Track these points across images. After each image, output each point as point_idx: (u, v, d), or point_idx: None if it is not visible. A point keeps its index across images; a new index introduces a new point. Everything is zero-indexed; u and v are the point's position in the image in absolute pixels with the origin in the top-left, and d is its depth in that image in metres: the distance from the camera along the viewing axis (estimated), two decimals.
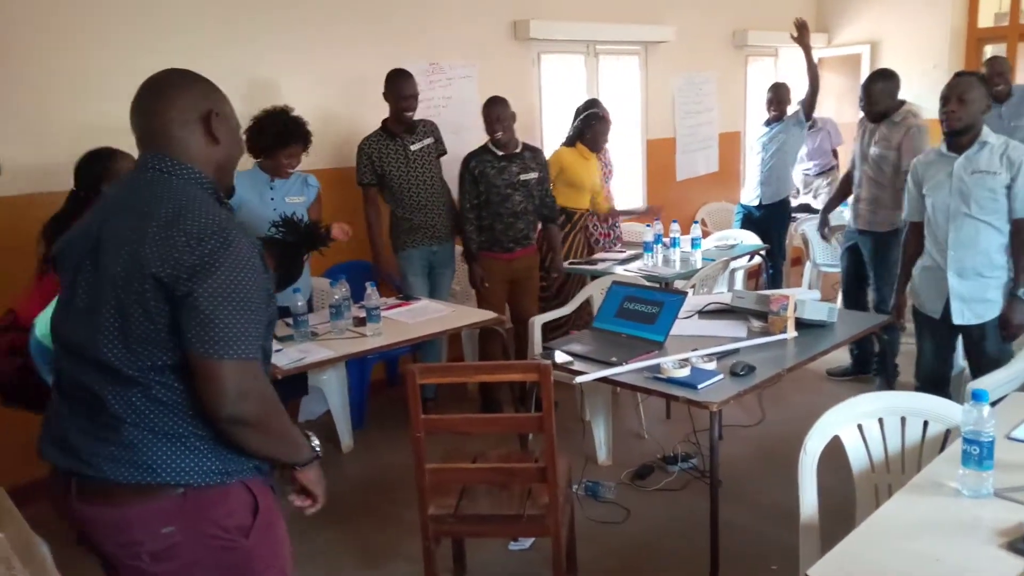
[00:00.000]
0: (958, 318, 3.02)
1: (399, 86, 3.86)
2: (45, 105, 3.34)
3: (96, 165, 2.67)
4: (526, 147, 4.06)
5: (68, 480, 1.44)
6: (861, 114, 4.07)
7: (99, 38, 3.45)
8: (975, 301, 2.99)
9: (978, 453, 1.61)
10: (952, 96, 2.94)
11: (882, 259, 3.98)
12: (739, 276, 5.22)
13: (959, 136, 2.96)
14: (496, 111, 3.90)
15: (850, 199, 4.14)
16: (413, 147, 3.95)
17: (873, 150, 3.93)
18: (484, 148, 3.98)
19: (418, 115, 4.04)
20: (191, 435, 1.43)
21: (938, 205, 3.01)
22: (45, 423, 1.52)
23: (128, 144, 1.53)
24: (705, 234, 5.14)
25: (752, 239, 4.94)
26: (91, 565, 1.53)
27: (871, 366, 4.28)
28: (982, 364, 2.95)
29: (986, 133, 2.96)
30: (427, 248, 4.04)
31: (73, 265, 1.47)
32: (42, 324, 2.30)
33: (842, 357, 4.33)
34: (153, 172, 1.46)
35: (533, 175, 4.02)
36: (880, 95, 3.91)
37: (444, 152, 4.11)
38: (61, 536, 1.49)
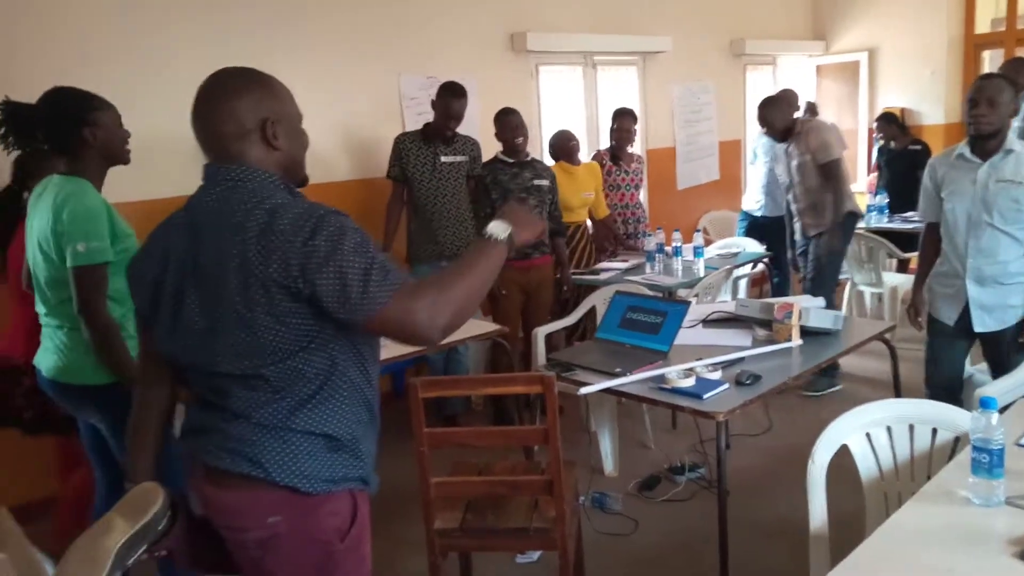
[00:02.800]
0: (979, 326, 2.95)
1: (446, 103, 3.91)
2: None
3: (32, 163, 2.74)
4: (534, 158, 4.13)
5: (196, 463, 1.52)
6: (781, 144, 4.47)
7: (116, 50, 3.50)
8: (997, 308, 2.92)
9: (988, 461, 1.59)
10: (981, 99, 2.82)
11: (827, 252, 4.31)
12: (742, 284, 5.21)
13: (986, 140, 2.87)
14: (517, 119, 3.99)
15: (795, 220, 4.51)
16: (443, 158, 3.99)
17: (794, 163, 4.30)
18: (494, 158, 4.04)
19: (416, 128, 4.08)
20: (308, 435, 1.45)
21: (959, 212, 2.93)
22: (187, 415, 1.60)
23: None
24: (707, 242, 5.14)
25: (755, 247, 4.93)
26: None
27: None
28: (1007, 370, 2.87)
29: (1011, 140, 2.87)
30: (437, 264, 4.05)
31: (173, 290, 1.47)
32: (43, 365, 2.34)
33: None
34: (226, 184, 1.45)
35: (545, 182, 4.09)
36: (773, 116, 4.32)
37: (479, 173, 4.12)
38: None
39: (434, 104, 3.96)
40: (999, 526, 1.54)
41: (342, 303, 1.35)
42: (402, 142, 4.00)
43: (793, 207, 4.46)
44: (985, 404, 1.61)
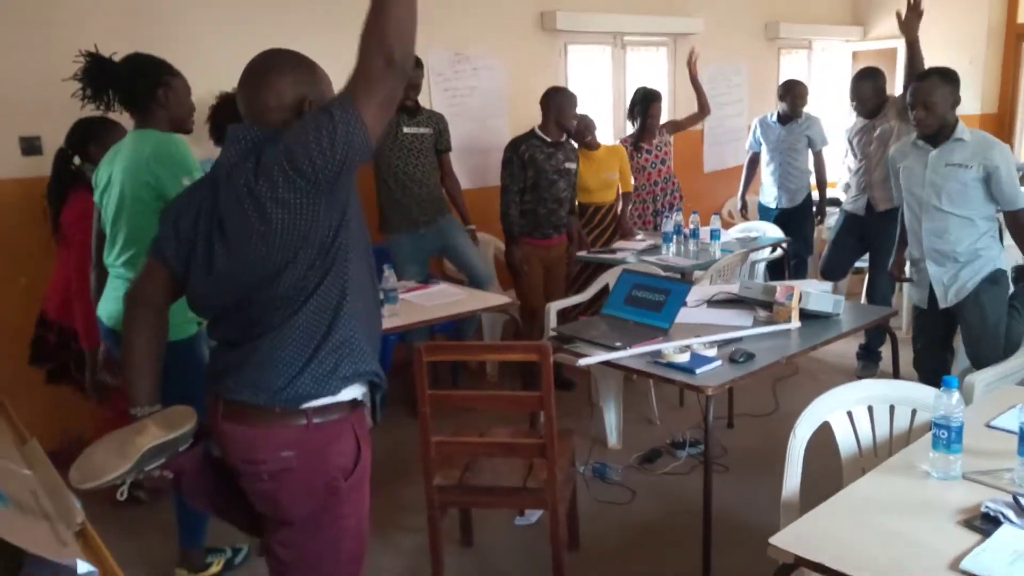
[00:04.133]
0: (942, 302, 3.10)
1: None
2: None
3: (90, 129, 2.87)
4: (566, 140, 4.17)
5: (217, 402, 1.66)
6: (854, 118, 4.32)
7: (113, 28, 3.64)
8: (954, 283, 3.07)
9: (947, 437, 1.67)
10: (917, 103, 2.96)
11: (890, 234, 4.16)
12: (760, 268, 5.22)
13: (931, 137, 3.02)
14: (575, 103, 4.04)
15: (852, 191, 4.36)
16: (405, 129, 3.93)
17: (879, 131, 4.14)
18: (532, 134, 4.06)
19: (442, 104, 4.14)
20: (319, 351, 1.59)
21: (912, 196, 3.08)
22: (211, 358, 1.77)
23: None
24: (728, 225, 5.16)
25: (775, 231, 4.94)
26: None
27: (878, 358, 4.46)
28: (971, 341, 3.05)
29: (960, 130, 2.97)
30: (414, 234, 4.01)
31: (203, 243, 1.61)
32: (105, 313, 2.49)
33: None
34: (243, 144, 1.59)
35: (573, 165, 4.17)
36: (868, 90, 4.14)
37: (447, 148, 4.08)
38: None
39: None
40: (953, 498, 1.61)
41: (339, 147, 1.47)
42: None
43: (864, 179, 4.24)
44: (947, 384, 1.68)
